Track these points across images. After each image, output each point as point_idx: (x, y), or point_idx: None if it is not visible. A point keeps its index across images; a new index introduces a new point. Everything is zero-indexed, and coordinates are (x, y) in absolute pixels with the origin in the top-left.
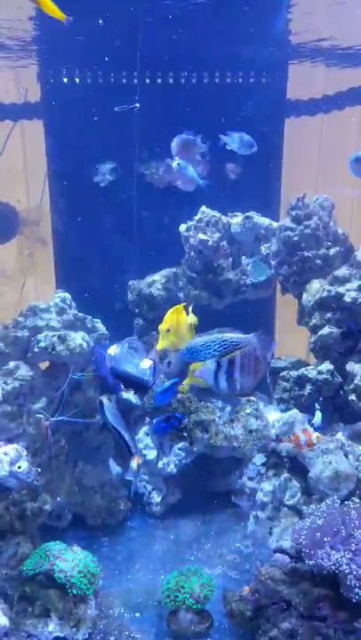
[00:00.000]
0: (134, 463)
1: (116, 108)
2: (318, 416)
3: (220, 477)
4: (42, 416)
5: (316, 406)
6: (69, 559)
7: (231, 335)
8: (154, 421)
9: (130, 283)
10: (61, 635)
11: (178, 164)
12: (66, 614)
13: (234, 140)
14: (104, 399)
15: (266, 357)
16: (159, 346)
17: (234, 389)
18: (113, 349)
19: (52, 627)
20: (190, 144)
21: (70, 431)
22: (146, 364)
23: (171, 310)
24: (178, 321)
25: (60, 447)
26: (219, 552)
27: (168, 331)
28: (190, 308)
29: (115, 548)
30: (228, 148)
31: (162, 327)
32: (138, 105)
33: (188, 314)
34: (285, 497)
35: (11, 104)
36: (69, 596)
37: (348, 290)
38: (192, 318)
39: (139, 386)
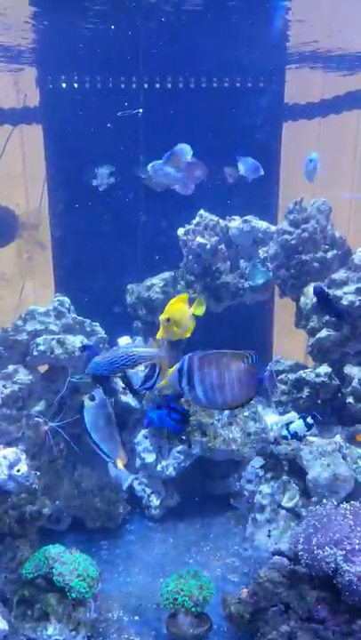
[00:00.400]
0: (118, 463)
1: (119, 113)
2: (299, 423)
3: (219, 480)
4: (40, 420)
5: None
6: (68, 562)
7: (139, 349)
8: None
9: (128, 286)
10: (60, 638)
11: (152, 166)
12: (65, 618)
13: (245, 164)
14: (86, 400)
15: (248, 380)
16: (158, 335)
17: (199, 401)
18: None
19: (52, 630)
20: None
21: (69, 434)
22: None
23: (173, 300)
24: (180, 311)
25: (59, 450)
26: (218, 555)
27: (168, 320)
28: (197, 299)
29: (114, 552)
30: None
31: (162, 317)
32: (141, 110)
33: (191, 305)
34: (284, 499)
35: (10, 109)
36: (68, 599)
37: (345, 293)
38: (198, 309)
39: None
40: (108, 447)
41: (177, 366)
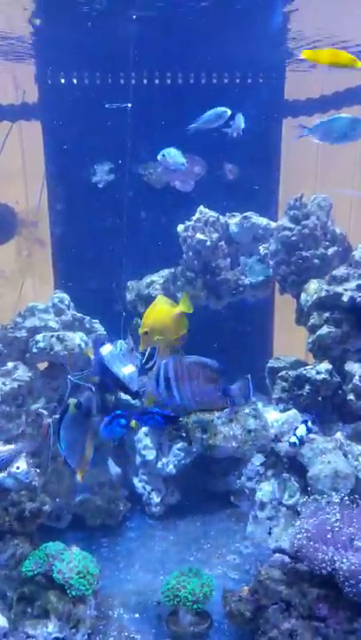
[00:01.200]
0: (78, 475)
1: (106, 105)
2: (302, 428)
3: (220, 478)
4: (44, 413)
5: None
6: (68, 560)
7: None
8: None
9: (128, 283)
10: (60, 635)
11: (163, 155)
12: (65, 615)
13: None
14: (71, 405)
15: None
16: (141, 348)
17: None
18: (107, 348)
19: (52, 627)
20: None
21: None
22: (127, 370)
23: (150, 307)
24: (161, 317)
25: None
26: (218, 552)
27: (146, 333)
28: (183, 296)
29: (114, 549)
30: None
31: (140, 331)
32: (130, 105)
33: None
34: (285, 497)
35: (8, 105)
36: (68, 596)
37: (346, 289)
38: (185, 306)
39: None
40: (72, 456)
41: (153, 375)
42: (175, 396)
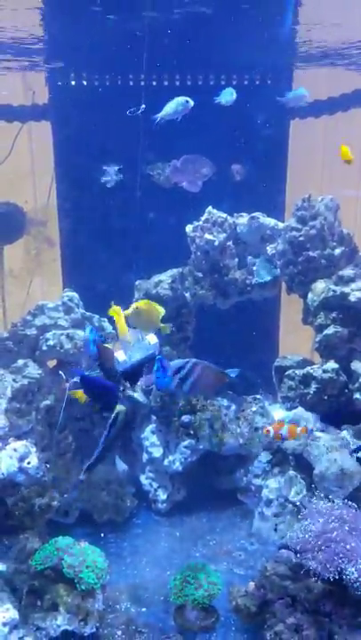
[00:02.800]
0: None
1: (128, 112)
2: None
3: (226, 475)
4: (62, 375)
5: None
6: (77, 554)
7: None
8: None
9: (137, 282)
10: (70, 628)
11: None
12: (74, 608)
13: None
14: (121, 412)
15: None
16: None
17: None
18: (122, 354)
19: (61, 620)
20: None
21: (77, 429)
22: (152, 338)
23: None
24: (148, 306)
25: (68, 444)
26: (224, 549)
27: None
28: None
29: (121, 545)
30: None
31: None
32: (144, 106)
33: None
34: (291, 494)
35: (19, 106)
36: (77, 590)
37: (353, 289)
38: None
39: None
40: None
41: (179, 364)
42: (183, 389)
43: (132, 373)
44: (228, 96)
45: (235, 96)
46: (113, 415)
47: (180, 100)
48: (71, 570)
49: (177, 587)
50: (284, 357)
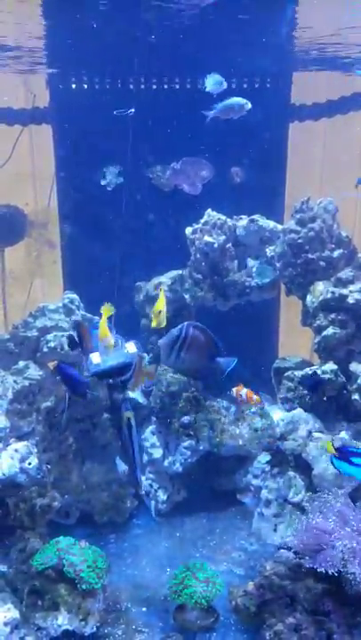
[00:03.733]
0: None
1: (115, 112)
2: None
3: (226, 476)
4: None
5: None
6: (78, 554)
7: None
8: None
9: (137, 284)
10: (70, 628)
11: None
12: (74, 608)
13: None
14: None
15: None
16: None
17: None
18: (97, 357)
19: (61, 620)
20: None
21: (78, 430)
22: (131, 347)
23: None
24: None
25: (68, 445)
26: (224, 549)
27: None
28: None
29: (121, 545)
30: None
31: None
32: (133, 110)
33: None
34: (290, 494)
35: (20, 109)
36: (78, 590)
37: (351, 291)
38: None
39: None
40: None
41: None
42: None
43: (103, 376)
44: (214, 84)
45: (225, 85)
46: (125, 421)
47: (240, 100)
48: (72, 569)
49: (176, 586)
50: (283, 359)
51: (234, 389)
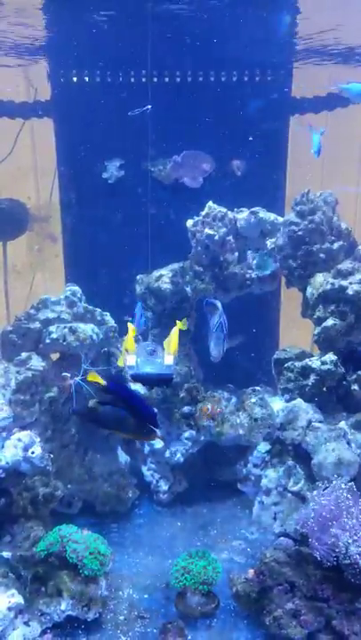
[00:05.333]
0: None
1: (129, 113)
2: None
3: (226, 466)
4: (67, 375)
5: None
6: (81, 541)
7: None
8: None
9: (138, 277)
10: (73, 614)
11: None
12: (77, 594)
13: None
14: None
15: None
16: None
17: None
18: (132, 359)
19: (64, 606)
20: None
21: (80, 422)
22: (168, 359)
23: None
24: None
25: (71, 436)
26: (224, 538)
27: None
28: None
29: (123, 534)
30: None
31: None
32: (150, 106)
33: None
34: (290, 483)
35: (21, 103)
36: (81, 576)
37: (350, 283)
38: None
39: (163, 382)
40: None
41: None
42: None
43: (141, 382)
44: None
45: None
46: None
47: None
48: (75, 555)
49: (177, 572)
50: (283, 350)
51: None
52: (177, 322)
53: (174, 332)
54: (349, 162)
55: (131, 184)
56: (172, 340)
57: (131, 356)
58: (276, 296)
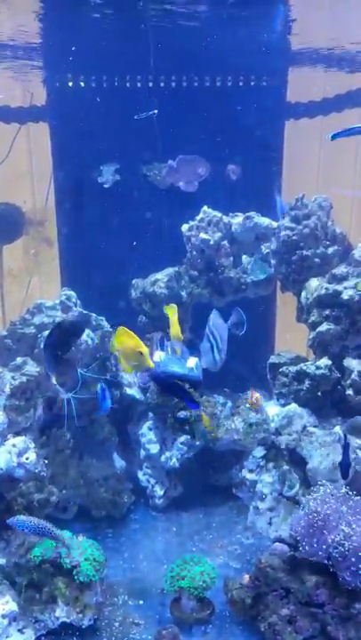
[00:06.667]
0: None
1: (136, 117)
2: None
3: (222, 472)
4: (60, 390)
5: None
6: (76, 547)
7: None
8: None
9: (133, 281)
10: (68, 620)
11: None
12: (72, 601)
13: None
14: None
15: None
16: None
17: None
18: (157, 355)
19: (59, 612)
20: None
21: (75, 426)
22: (191, 362)
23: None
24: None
25: (66, 441)
26: (220, 543)
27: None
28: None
29: (119, 540)
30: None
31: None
32: (156, 111)
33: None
34: (285, 488)
35: (17, 107)
36: (76, 582)
37: (345, 287)
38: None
39: (191, 384)
40: None
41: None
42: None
43: (163, 381)
44: None
45: None
46: None
47: None
48: (69, 560)
49: (172, 578)
50: (278, 354)
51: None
52: (166, 309)
53: (174, 320)
54: (344, 166)
55: (126, 188)
56: (174, 327)
57: (157, 353)
58: (271, 300)
